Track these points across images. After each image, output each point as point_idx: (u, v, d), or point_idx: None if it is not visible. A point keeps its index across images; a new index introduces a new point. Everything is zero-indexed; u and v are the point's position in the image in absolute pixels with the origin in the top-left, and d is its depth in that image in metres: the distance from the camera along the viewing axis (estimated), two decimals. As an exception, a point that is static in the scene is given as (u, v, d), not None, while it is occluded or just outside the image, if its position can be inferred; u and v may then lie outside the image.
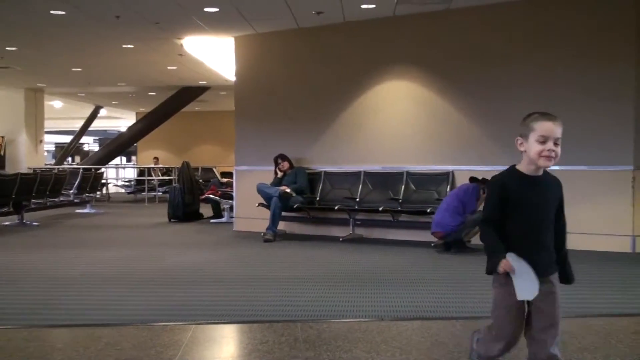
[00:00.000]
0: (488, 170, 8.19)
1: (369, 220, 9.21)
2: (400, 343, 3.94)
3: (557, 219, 2.81)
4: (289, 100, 10.22)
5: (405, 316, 4.69)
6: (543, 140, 2.67)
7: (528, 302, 2.75)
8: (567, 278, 2.83)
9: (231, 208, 11.39)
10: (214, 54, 12.64)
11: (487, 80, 8.75)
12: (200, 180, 15.59)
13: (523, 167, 2.78)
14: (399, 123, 9.38)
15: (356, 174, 9.54)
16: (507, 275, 2.70)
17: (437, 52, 9.15)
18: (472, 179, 8.14)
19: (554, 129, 2.68)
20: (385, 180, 9.31)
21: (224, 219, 11.83)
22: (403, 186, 9.10)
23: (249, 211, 10.01)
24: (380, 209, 8.78)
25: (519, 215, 2.73)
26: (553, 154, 2.67)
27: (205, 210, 12.51)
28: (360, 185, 9.45)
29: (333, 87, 9.85)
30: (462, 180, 8.50)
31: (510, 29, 8.67)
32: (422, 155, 9.17)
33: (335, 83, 9.84)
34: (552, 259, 2.80)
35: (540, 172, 2.77)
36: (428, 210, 8.37)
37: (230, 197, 11.41)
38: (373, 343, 3.92)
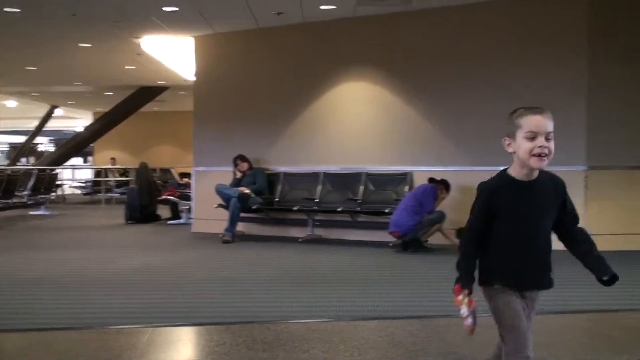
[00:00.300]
0: (446, 170, 8.33)
1: (328, 221, 9.24)
2: (358, 343, 3.96)
3: (561, 220, 2.52)
4: (249, 101, 10.18)
5: (363, 316, 4.72)
6: (532, 137, 2.38)
7: None
8: (605, 279, 2.45)
9: (189, 209, 11.29)
10: (173, 53, 12.51)
11: (446, 81, 8.84)
12: (158, 181, 15.42)
13: (514, 171, 2.47)
14: (358, 124, 9.42)
15: (315, 175, 9.55)
16: (497, 285, 2.47)
17: (396, 53, 9.21)
18: (431, 180, 8.23)
19: (543, 122, 2.39)
20: (344, 181, 9.34)
21: (182, 220, 11.72)
22: (362, 187, 9.15)
23: (207, 212, 9.94)
24: (339, 209, 8.82)
25: (511, 224, 2.46)
26: (546, 151, 2.37)
27: (163, 211, 12.38)
28: (320, 186, 9.46)
29: (292, 88, 9.84)
30: (420, 181, 8.58)
31: (469, 30, 8.77)
32: (381, 156, 9.23)
33: (294, 84, 9.84)
34: (548, 270, 2.53)
35: (535, 175, 2.45)
36: (386, 210, 8.43)
37: (189, 198, 11.31)
38: (331, 343, 3.93)
